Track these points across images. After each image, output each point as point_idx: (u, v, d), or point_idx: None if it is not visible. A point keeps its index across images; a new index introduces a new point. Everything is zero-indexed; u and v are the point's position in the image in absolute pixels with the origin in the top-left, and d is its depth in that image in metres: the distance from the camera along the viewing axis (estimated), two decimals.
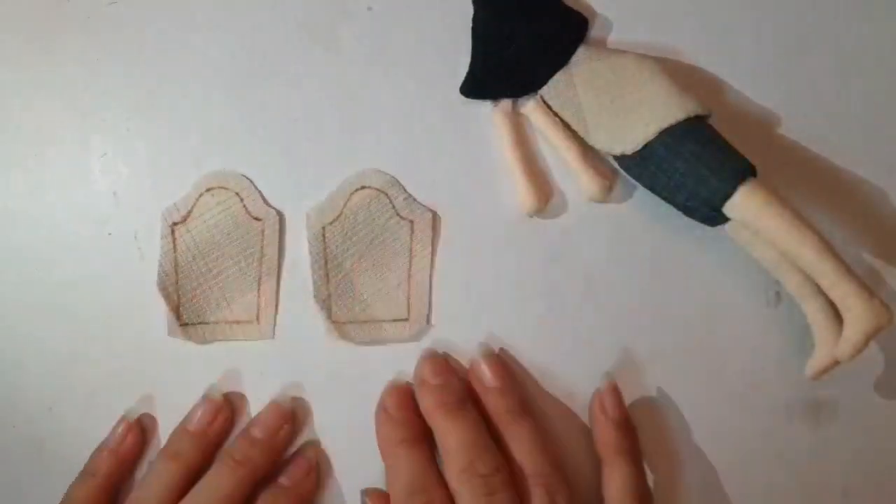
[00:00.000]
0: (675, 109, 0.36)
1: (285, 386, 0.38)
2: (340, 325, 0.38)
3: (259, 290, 0.39)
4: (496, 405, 0.37)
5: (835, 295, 0.34)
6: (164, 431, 0.38)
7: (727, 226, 0.36)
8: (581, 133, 0.37)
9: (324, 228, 0.38)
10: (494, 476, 0.34)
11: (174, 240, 0.38)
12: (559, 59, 0.38)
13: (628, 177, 0.37)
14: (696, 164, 0.35)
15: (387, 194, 0.38)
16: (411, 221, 0.39)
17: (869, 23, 0.39)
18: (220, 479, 0.36)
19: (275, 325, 0.39)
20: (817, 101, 0.39)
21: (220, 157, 0.39)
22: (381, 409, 0.37)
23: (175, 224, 0.38)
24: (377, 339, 0.38)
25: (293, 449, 0.38)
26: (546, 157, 0.39)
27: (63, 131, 0.39)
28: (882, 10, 0.39)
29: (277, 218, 0.39)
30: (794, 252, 0.34)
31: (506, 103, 0.38)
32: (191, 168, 0.39)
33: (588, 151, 0.38)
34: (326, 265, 0.38)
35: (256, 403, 0.38)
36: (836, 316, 0.35)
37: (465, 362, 0.38)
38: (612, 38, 0.39)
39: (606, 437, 0.37)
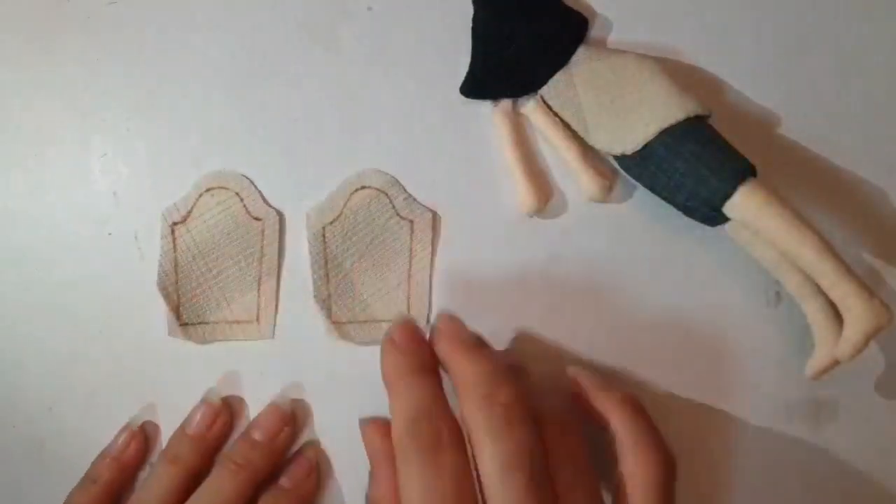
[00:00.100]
0: (675, 109, 0.36)
1: (285, 386, 0.38)
2: (340, 325, 0.38)
3: (259, 290, 0.39)
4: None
5: (835, 295, 0.34)
6: (165, 432, 0.38)
7: (727, 226, 0.36)
8: (581, 133, 0.37)
9: (324, 228, 0.38)
10: (515, 406, 0.31)
11: (174, 240, 0.38)
12: (559, 59, 0.38)
13: (628, 177, 0.37)
14: (696, 163, 0.35)
15: (387, 194, 0.38)
16: (411, 221, 0.39)
17: (869, 23, 0.39)
18: (221, 484, 0.36)
19: (275, 325, 0.39)
20: (817, 101, 0.39)
21: (220, 157, 0.39)
22: (388, 339, 0.34)
23: (175, 224, 0.38)
24: (377, 339, 0.38)
25: (294, 449, 0.38)
26: (546, 157, 0.39)
27: (63, 131, 0.39)
28: (882, 10, 0.39)
29: (277, 218, 0.39)
30: (794, 252, 0.34)
31: (506, 103, 0.38)
32: (191, 168, 0.39)
33: (588, 151, 0.38)
34: (326, 265, 0.38)
35: (256, 403, 0.38)
36: (837, 316, 0.35)
37: None
38: (612, 38, 0.39)
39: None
